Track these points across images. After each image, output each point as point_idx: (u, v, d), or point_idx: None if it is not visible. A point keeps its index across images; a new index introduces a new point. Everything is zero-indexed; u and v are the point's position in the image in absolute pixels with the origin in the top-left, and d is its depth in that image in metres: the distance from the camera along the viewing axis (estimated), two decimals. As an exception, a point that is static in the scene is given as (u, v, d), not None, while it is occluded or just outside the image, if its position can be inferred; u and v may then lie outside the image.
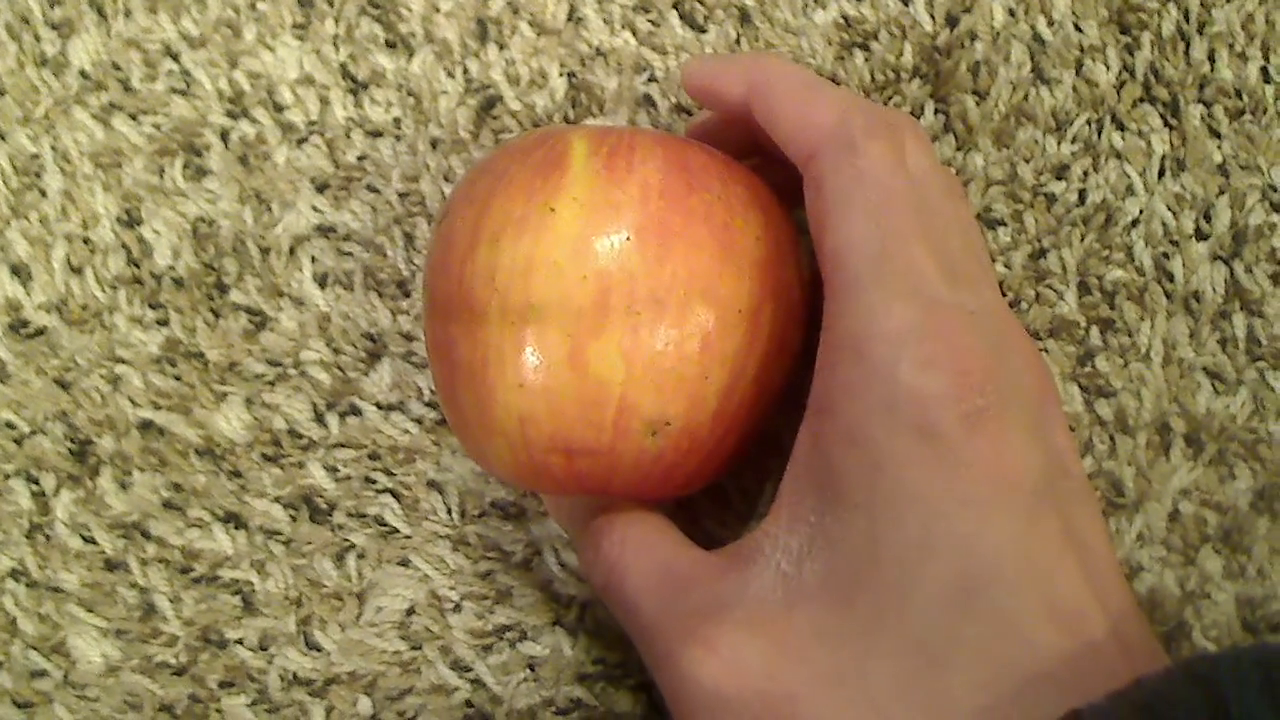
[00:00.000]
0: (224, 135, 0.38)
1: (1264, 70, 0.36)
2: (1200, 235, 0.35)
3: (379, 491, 0.36)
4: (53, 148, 0.39)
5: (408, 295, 0.37)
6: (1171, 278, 0.35)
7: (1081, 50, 0.36)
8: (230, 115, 0.38)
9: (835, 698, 0.25)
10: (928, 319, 0.26)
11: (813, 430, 0.27)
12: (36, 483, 0.37)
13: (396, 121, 0.38)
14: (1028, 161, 0.36)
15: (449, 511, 0.36)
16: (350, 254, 0.37)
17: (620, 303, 0.26)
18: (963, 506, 0.25)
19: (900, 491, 0.25)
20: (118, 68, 0.39)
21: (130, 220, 0.38)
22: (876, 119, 0.28)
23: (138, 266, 0.38)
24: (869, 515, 0.25)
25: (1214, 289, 0.35)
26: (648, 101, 0.38)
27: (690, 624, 0.27)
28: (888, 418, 0.25)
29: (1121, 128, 0.36)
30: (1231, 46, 0.36)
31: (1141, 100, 0.36)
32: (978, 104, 0.36)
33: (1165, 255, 0.35)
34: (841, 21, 0.37)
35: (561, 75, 0.38)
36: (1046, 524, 0.26)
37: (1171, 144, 0.36)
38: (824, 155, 0.28)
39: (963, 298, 0.27)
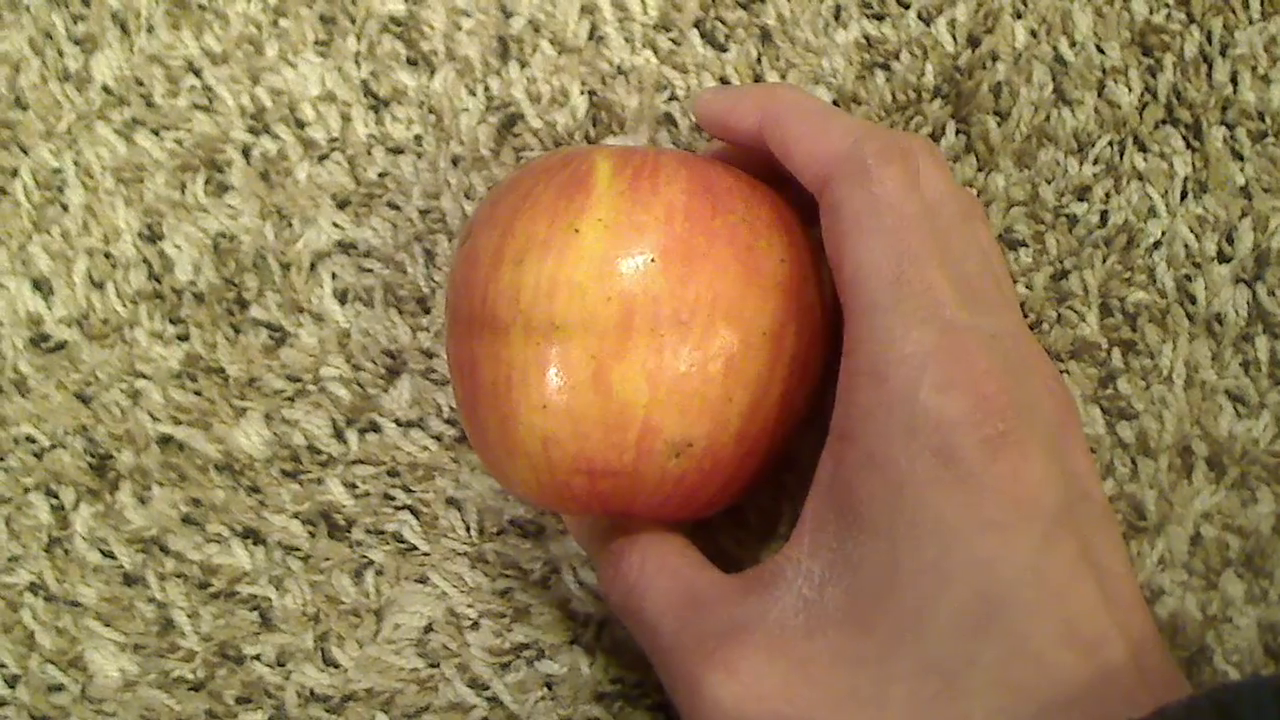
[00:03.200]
0: (246, 151, 0.38)
1: (1287, 92, 0.36)
2: (1223, 258, 0.35)
3: (398, 508, 0.36)
4: (75, 162, 0.39)
5: (428, 312, 0.37)
6: (1194, 300, 0.35)
7: (1104, 72, 0.36)
8: (252, 131, 0.39)
9: (852, 723, 0.25)
10: (946, 342, 0.26)
11: (834, 454, 0.27)
12: (56, 497, 0.37)
13: (418, 139, 0.38)
14: (1049, 182, 0.36)
15: (467, 529, 0.36)
16: (371, 270, 0.37)
17: (644, 324, 0.26)
18: (981, 530, 0.25)
19: (919, 515, 0.25)
20: (140, 83, 0.39)
21: (151, 235, 0.38)
22: (889, 144, 0.28)
23: (159, 281, 0.38)
24: (889, 539, 0.25)
25: (1236, 311, 0.35)
26: (668, 120, 0.38)
27: (710, 646, 0.27)
28: (908, 441, 0.25)
29: (1144, 149, 0.36)
30: (1254, 69, 0.36)
31: (1164, 122, 0.36)
32: (999, 125, 0.36)
33: (1187, 277, 0.35)
34: (863, 41, 0.37)
35: (582, 93, 0.38)
36: (1066, 548, 0.26)
37: (1194, 166, 0.36)
38: (838, 182, 0.28)
39: (981, 321, 0.27)
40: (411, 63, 0.39)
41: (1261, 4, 0.36)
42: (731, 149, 0.34)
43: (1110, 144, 0.36)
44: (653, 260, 0.27)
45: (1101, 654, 0.25)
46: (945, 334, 0.26)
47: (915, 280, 0.26)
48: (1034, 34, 0.37)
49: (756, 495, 0.35)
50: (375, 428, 0.36)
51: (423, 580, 0.35)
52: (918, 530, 0.25)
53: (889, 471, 0.26)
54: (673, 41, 0.38)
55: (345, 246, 0.38)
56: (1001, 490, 0.25)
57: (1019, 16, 0.37)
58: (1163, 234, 0.35)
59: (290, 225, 0.38)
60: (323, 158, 0.38)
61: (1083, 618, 0.25)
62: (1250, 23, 0.36)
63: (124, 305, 0.38)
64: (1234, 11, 0.36)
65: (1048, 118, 0.36)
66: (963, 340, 0.26)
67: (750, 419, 0.28)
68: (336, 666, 0.35)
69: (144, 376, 0.37)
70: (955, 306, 0.26)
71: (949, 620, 0.25)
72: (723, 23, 0.38)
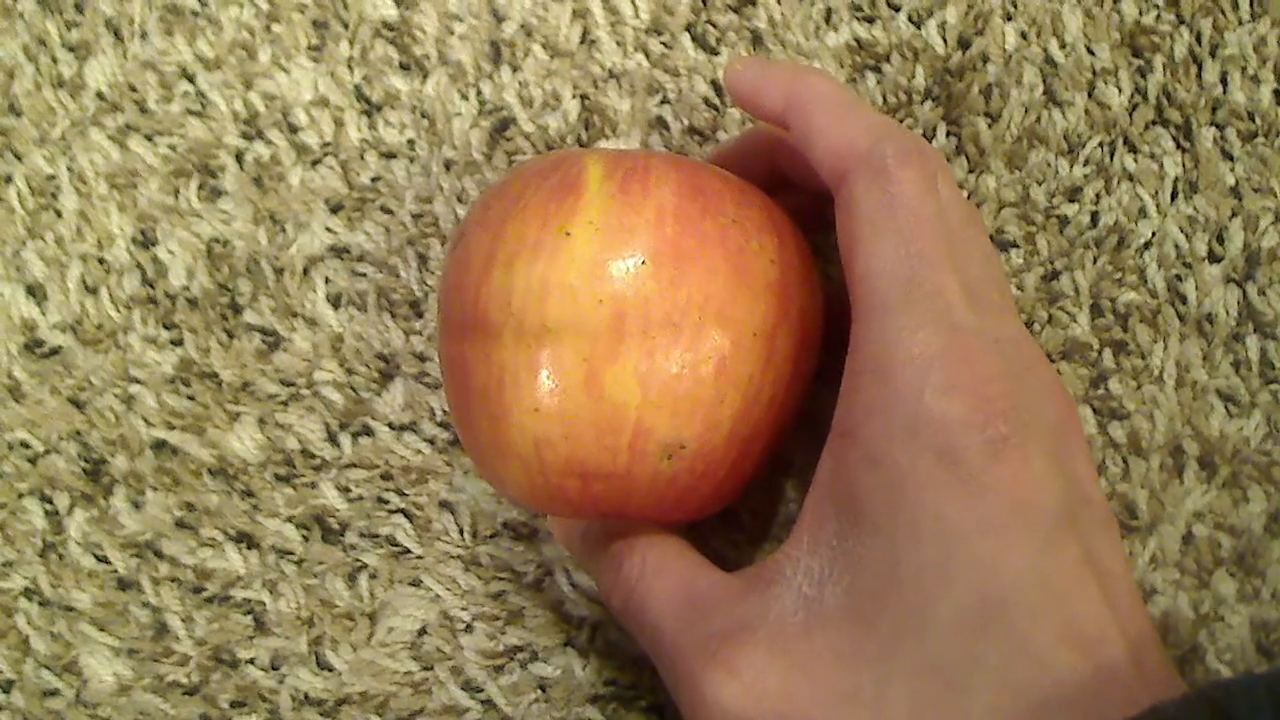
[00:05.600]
0: (239, 156, 0.39)
1: (1276, 93, 0.36)
2: (1213, 258, 0.35)
3: (391, 512, 0.36)
4: (69, 168, 0.39)
5: (421, 316, 0.37)
6: (1184, 300, 0.35)
7: (1094, 73, 0.36)
8: (245, 136, 0.39)
9: (852, 720, 0.25)
10: (953, 345, 0.26)
11: (835, 452, 0.27)
12: (50, 502, 0.37)
13: (410, 143, 0.38)
14: (1040, 184, 0.36)
15: (461, 532, 0.36)
16: (364, 275, 0.38)
17: (635, 326, 0.26)
18: (982, 531, 0.25)
19: (920, 515, 0.25)
20: (134, 89, 0.39)
21: (145, 241, 0.38)
22: (909, 145, 0.28)
23: (152, 287, 0.38)
24: (889, 538, 0.26)
25: (1227, 311, 0.35)
26: (660, 123, 0.38)
27: (711, 646, 0.27)
28: (910, 441, 0.25)
29: (1134, 150, 0.36)
30: (1244, 69, 0.36)
31: (1154, 123, 0.36)
32: (990, 126, 0.36)
33: (1178, 277, 0.35)
34: (853, 44, 0.37)
35: (574, 97, 0.38)
36: (1066, 550, 0.26)
37: (1184, 166, 0.36)
38: (856, 179, 0.28)
39: (987, 325, 0.27)
40: (404, 67, 0.39)
41: (1251, 5, 0.37)
42: (728, 153, 0.34)
43: (1101, 145, 0.36)
44: (643, 262, 0.27)
45: (1102, 654, 0.25)
46: (952, 337, 0.26)
47: (926, 282, 0.27)
48: (1024, 36, 0.37)
49: (750, 497, 0.35)
50: (368, 431, 0.36)
51: (416, 583, 0.35)
52: (918, 530, 0.25)
53: (890, 471, 0.26)
54: (664, 45, 0.38)
55: (338, 251, 0.38)
56: (1003, 493, 0.25)
57: (1009, 18, 0.37)
58: (1153, 234, 0.35)
59: (283, 230, 0.38)
60: (316, 162, 0.38)
61: (1084, 619, 0.25)
62: (1240, 23, 0.36)
63: (118, 310, 0.38)
64: (1223, 12, 0.36)
65: (1038, 119, 0.36)
66: (969, 344, 0.26)
67: (742, 420, 0.28)
68: (331, 670, 0.35)
69: (138, 381, 0.37)
70: (963, 310, 0.27)
71: (950, 620, 0.25)
72: (714, 26, 0.38)
